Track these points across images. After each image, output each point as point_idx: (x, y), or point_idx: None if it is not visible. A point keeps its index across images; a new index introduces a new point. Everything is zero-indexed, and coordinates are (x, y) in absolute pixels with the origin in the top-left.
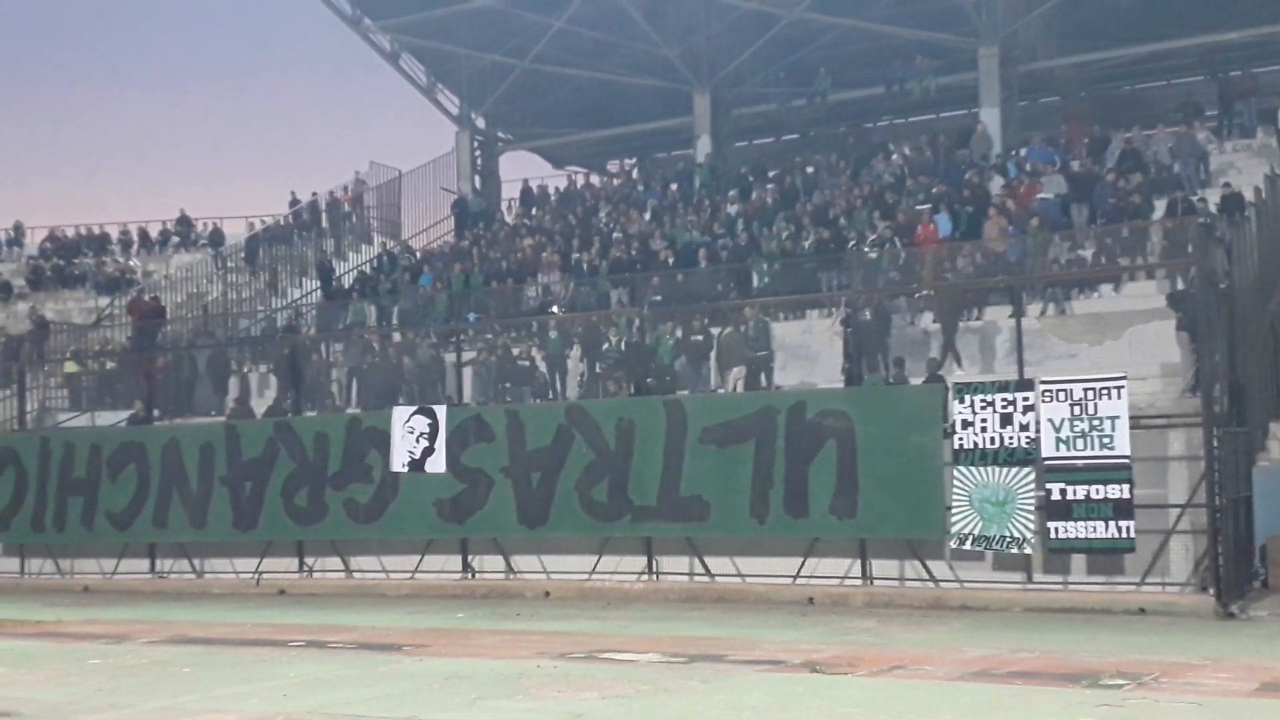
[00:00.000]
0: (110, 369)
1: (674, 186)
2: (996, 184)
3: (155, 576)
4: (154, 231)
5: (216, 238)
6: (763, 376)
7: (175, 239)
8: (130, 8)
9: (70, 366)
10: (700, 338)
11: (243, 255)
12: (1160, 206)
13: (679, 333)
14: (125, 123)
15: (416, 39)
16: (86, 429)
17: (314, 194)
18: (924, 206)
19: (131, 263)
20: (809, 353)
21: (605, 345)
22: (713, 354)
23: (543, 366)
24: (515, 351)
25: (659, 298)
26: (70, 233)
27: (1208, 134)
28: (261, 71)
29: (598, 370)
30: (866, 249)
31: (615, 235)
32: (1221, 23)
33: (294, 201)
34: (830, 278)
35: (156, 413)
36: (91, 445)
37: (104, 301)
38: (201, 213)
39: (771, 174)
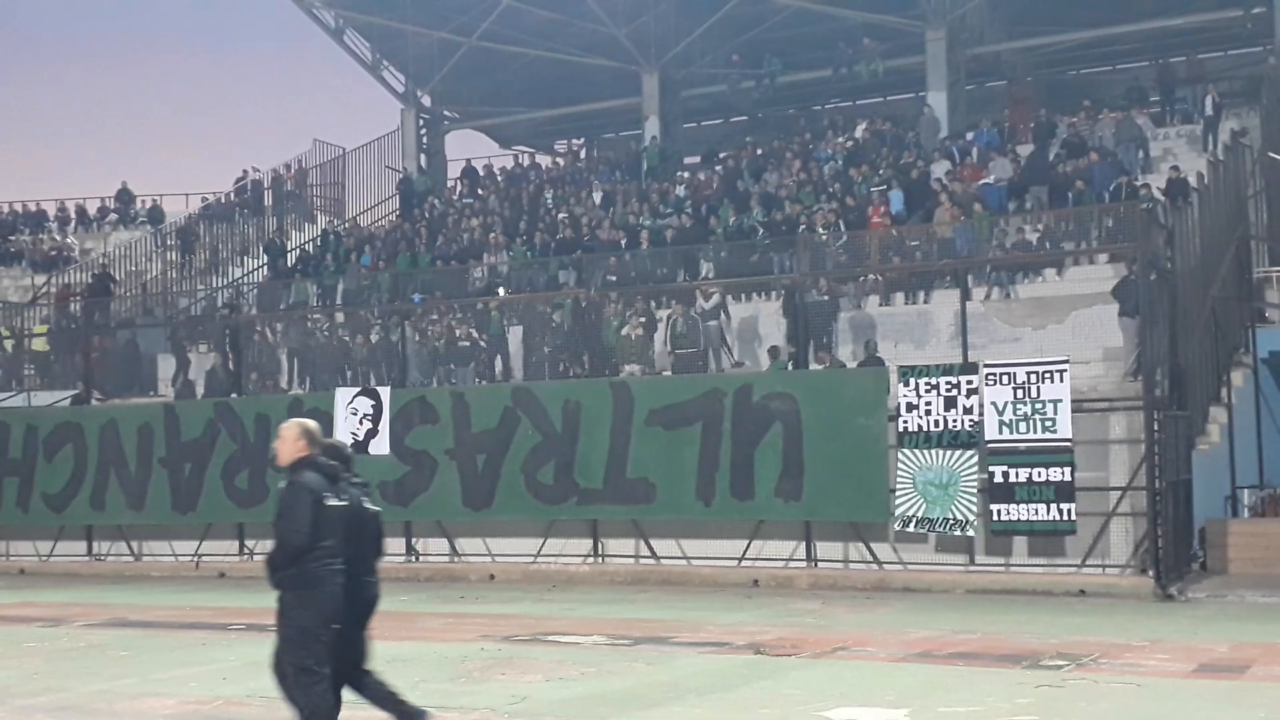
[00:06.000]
0: (45, 349)
1: (615, 173)
2: (942, 167)
3: (93, 559)
4: (92, 208)
5: (156, 214)
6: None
7: (114, 216)
8: None
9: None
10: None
11: (173, 240)
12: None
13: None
14: (63, 97)
15: (361, 15)
16: (22, 409)
17: (250, 168)
18: (878, 189)
19: (69, 240)
20: (756, 335)
21: (550, 323)
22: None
23: (485, 346)
24: (458, 333)
25: (613, 278)
26: (6, 209)
27: (1147, 119)
28: (204, 46)
29: (546, 351)
30: (818, 231)
31: (562, 217)
32: (1169, 9)
33: (240, 178)
34: (780, 260)
35: (95, 393)
36: (27, 426)
37: (40, 279)
38: (142, 189)
39: (719, 156)
